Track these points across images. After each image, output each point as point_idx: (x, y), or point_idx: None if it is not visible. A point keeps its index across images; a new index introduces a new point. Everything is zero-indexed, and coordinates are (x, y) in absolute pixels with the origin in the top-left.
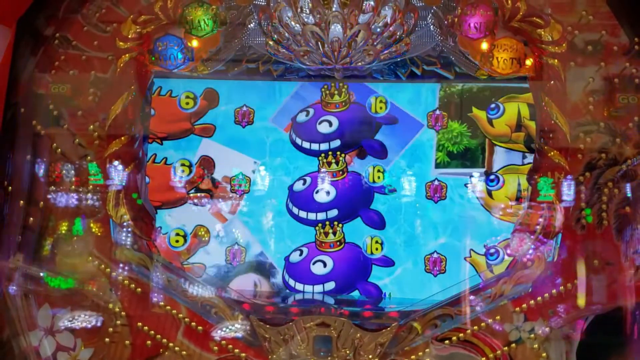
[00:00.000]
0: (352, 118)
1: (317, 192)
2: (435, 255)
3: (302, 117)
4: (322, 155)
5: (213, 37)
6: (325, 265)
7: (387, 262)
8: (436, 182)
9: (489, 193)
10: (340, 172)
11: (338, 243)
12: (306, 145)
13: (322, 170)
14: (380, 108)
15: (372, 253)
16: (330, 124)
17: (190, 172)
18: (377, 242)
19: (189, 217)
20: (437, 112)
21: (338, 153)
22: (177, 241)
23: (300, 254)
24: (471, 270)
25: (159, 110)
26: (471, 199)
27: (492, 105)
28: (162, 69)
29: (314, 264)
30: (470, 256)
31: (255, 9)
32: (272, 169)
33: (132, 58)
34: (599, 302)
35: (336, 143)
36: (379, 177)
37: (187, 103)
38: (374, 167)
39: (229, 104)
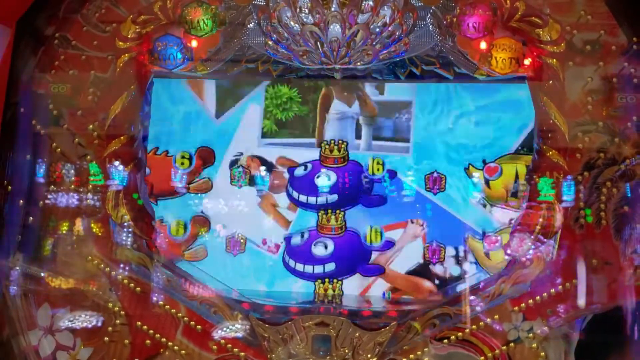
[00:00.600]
0: (351, 174)
1: (315, 244)
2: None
3: (299, 171)
4: (322, 211)
5: (212, 37)
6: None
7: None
8: (435, 174)
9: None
10: (339, 229)
11: (336, 302)
12: (303, 199)
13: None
14: (378, 169)
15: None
16: (329, 178)
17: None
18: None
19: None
20: (435, 174)
21: (337, 211)
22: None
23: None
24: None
25: (154, 170)
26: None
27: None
28: (162, 68)
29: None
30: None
31: (254, 8)
32: None
33: (132, 58)
34: (597, 302)
35: (334, 198)
36: (376, 238)
37: (183, 163)
38: (371, 228)
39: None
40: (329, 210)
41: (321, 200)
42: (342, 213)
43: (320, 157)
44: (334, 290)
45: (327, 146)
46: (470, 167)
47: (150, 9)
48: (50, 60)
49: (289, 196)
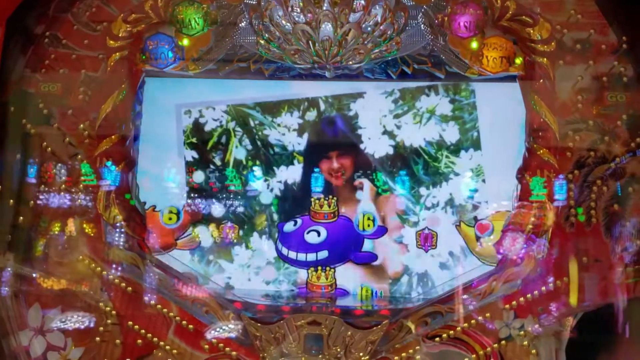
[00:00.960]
0: (341, 230)
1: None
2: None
3: (289, 227)
4: (312, 268)
5: (204, 36)
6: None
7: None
8: (427, 230)
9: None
10: (329, 287)
11: None
12: (292, 255)
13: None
14: (368, 225)
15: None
16: (319, 234)
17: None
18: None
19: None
20: (427, 230)
21: (327, 268)
22: (170, 219)
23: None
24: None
25: None
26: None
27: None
28: (153, 67)
29: None
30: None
31: (246, 7)
32: None
33: (123, 57)
34: (588, 300)
35: (324, 254)
36: (367, 296)
37: (170, 218)
38: (362, 287)
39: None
40: (319, 268)
41: (311, 257)
42: (333, 270)
43: (310, 213)
44: None
45: (317, 202)
46: (462, 224)
47: (141, 8)
48: (40, 59)
49: (279, 253)
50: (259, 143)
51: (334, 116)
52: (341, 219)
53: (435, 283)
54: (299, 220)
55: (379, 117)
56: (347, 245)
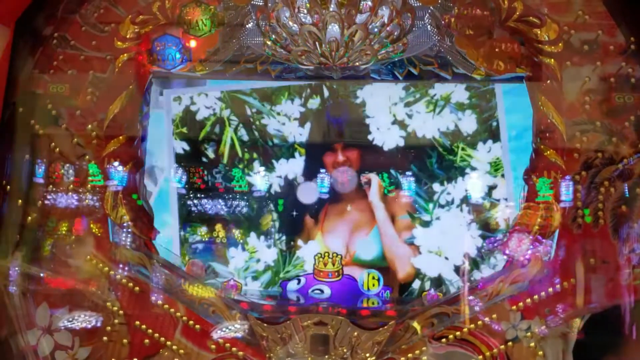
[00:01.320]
0: (345, 289)
1: None
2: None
3: (292, 286)
4: None
5: (211, 37)
6: None
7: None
8: (433, 291)
9: None
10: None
11: None
12: None
13: None
14: (373, 285)
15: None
16: (322, 293)
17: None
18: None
19: None
20: (432, 291)
21: None
22: None
23: None
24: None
25: None
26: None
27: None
28: (161, 68)
29: None
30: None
31: (253, 9)
32: None
33: (131, 58)
34: (595, 301)
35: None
36: None
37: None
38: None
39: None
40: None
41: None
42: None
43: (314, 271)
44: None
45: (321, 259)
46: None
47: (149, 9)
48: (48, 60)
49: None
50: (256, 133)
51: (340, 104)
52: (345, 278)
53: (449, 287)
54: (303, 279)
55: (389, 106)
56: (351, 305)
